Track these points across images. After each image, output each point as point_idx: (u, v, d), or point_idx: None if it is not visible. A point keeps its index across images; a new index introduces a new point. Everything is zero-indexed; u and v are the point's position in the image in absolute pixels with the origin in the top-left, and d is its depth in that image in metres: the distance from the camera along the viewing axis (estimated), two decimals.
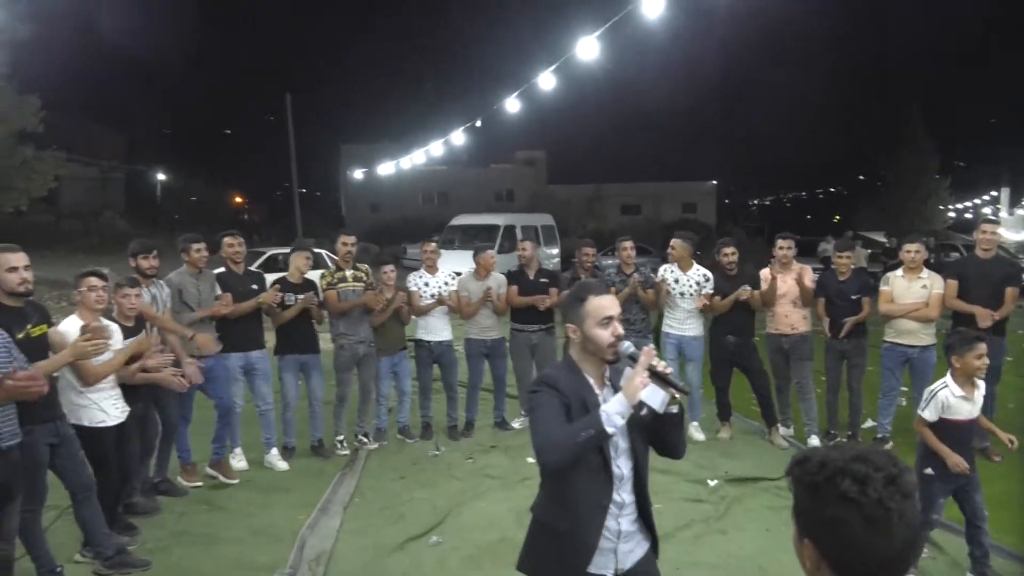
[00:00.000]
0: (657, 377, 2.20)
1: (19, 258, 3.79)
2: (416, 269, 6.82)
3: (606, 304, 2.34)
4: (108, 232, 25.45)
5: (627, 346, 2.30)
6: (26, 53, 15.77)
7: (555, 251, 21.59)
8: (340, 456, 6.17)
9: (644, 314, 6.65)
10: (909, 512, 1.25)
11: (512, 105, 11.19)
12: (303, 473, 5.82)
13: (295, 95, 26.99)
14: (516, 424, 6.89)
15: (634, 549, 2.39)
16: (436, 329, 6.59)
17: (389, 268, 6.45)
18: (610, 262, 12.10)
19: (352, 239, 6.42)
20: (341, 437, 6.33)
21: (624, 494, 2.35)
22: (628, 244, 6.76)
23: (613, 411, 2.14)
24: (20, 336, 3.67)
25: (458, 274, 6.92)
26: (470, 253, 7.08)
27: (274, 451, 5.97)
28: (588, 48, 8.01)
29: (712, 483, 5.41)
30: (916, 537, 1.28)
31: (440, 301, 6.47)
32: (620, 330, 2.34)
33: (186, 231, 6.16)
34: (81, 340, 3.78)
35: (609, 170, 51.96)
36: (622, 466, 2.34)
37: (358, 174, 30.25)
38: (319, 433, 6.23)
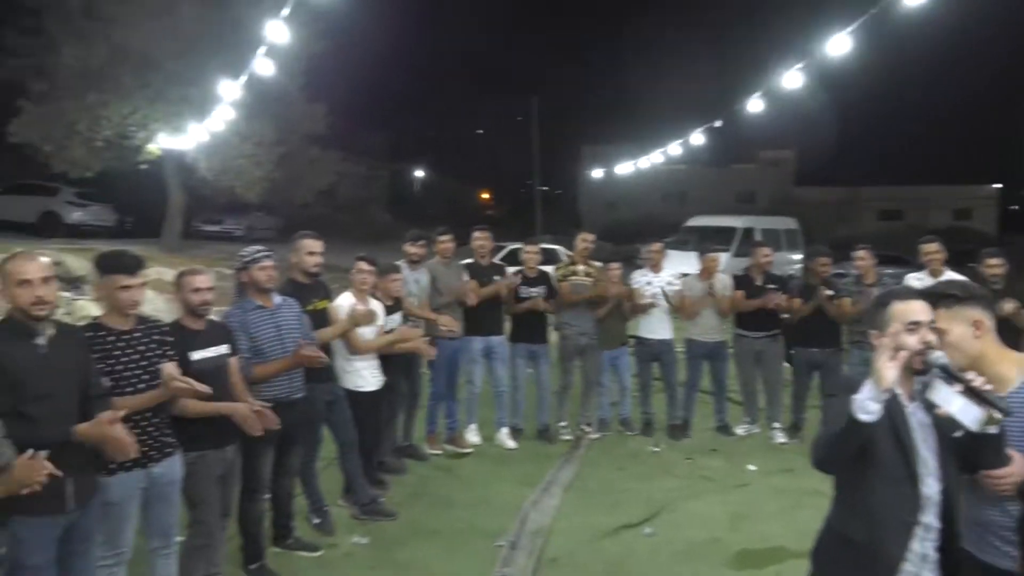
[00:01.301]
0: (973, 393, 2.06)
1: (318, 244, 4.60)
2: None
3: (914, 309, 2.20)
4: (374, 224, 28.46)
5: (938, 355, 2.13)
6: (316, 66, 18.02)
7: (798, 256, 20.41)
8: (563, 441, 6.52)
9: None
10: None
11: (757, 104, 10.73)
12: (529, 453, 6.24)
13: (541, 98, 28.20)
14: (739, 430, 6.77)
15: None
16: (656, 328, 6.69)
17: (615, 266, 6.69)
18: (856, 272, 11.27)
19: (592, 237, 6.83)
20: (564, 424, 6.67)
21: (932, 518, 2.21)
22: (862, 253, 6.37)
23: (864, 397, 2.04)
24: (308, 309, 4.42)
25: (686, 275, 6.95)
26: None
27: (504, 430, 6.46)
28: (843, 43, 7.54)
29: None
30: None
31: (652, 304, 6.53)
32: (930, 337, 2.18)
33: (439, 224, 6.88)
34: (356, 311, 4.56)
35: (868, 172, 47.98)
36: (931, 486, 2.20)
37: (597, 173, 30.78)
38: (545, 418, 6.63)
